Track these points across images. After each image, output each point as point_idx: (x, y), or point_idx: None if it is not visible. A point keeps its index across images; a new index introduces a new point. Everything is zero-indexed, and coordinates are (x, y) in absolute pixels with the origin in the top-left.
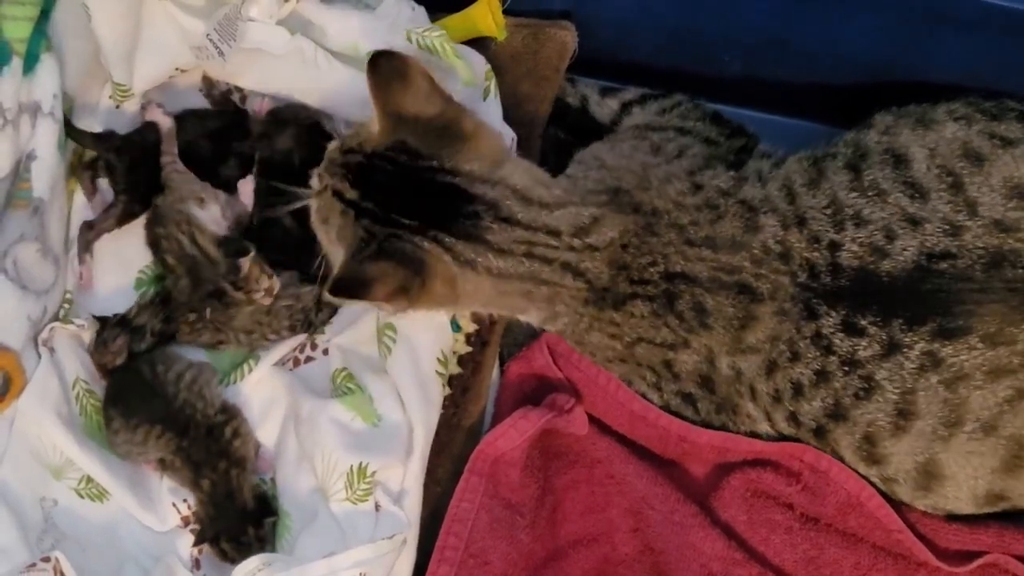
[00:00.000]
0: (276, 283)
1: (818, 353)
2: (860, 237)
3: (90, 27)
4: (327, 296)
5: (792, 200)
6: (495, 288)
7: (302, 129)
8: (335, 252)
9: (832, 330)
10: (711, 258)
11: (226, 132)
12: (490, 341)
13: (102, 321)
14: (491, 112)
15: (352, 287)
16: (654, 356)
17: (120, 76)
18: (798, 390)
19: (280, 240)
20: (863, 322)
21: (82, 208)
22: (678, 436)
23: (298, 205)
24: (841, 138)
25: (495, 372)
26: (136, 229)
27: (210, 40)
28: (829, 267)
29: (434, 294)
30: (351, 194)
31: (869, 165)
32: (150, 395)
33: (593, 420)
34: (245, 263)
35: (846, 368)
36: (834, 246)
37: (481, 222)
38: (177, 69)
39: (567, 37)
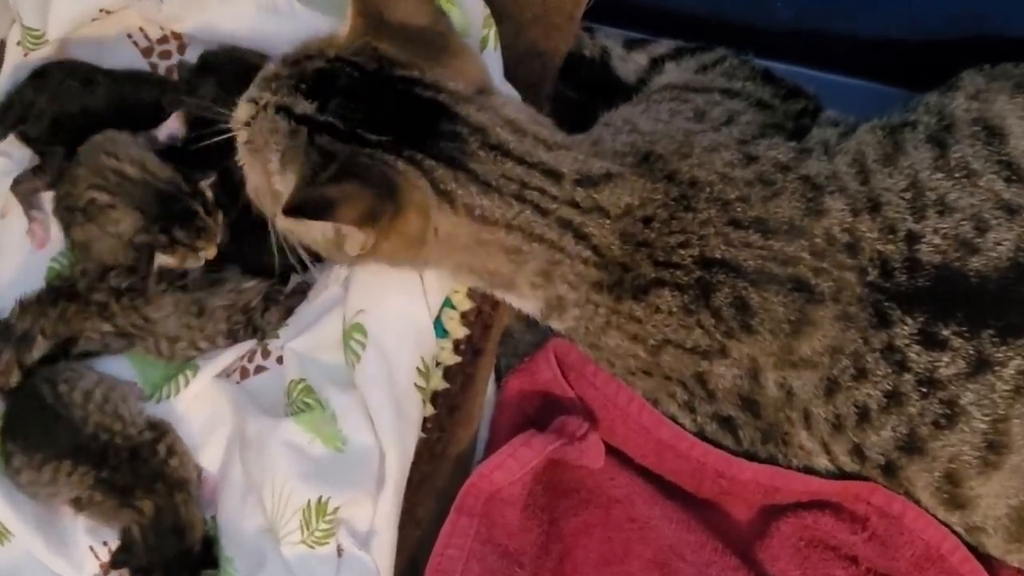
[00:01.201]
0: (219, 227)
1: (890, 370)
2: (944, 228)
3: None
4: (283, 222)
5: (865, 179)
6: (475, 236)
7: (232, 77)
8: (281, 181)
9: (907, 341)
10: (760, 244)
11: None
12: (484, 349)
13: None
14: (491, 65)
15: (312, 207)
16: (685, 366)
17: (32, 19)
18: (864, 416)
19: (240, 231)
20: (945, 332)
21: None
22: (715, 471)
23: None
24: (921, 102)
25: (490, 388)
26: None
27: None
28: (906, 263)
29: (407, 228)
30: (303, 107)
31: (957, 139)
32: (53, 423)
33: (611, 450)
34: (206, 185)
35: (924, 389)
36: (913, 237)
37: (465, 145)
38: (101, 11)
39: None
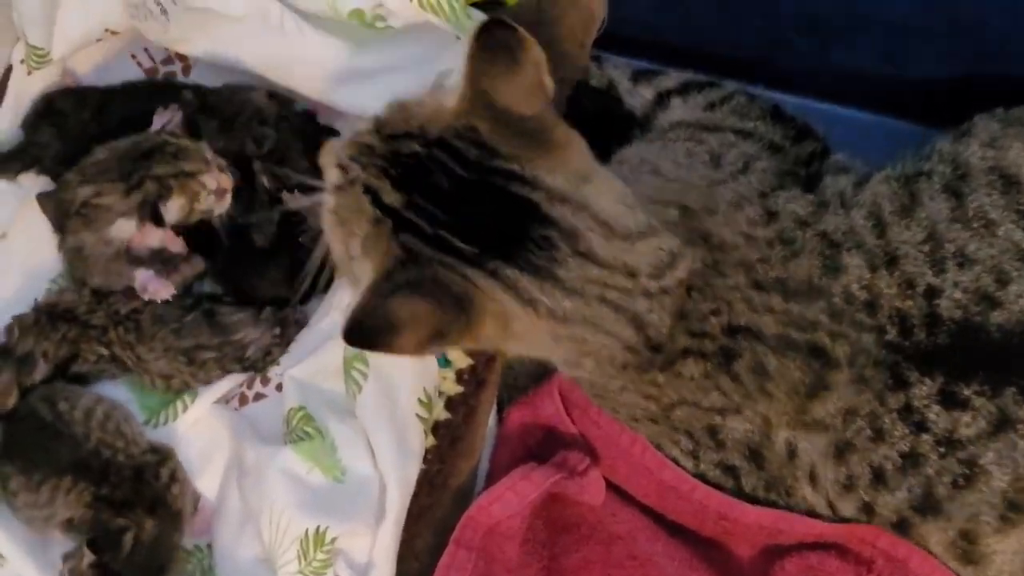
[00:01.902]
0: (202, 146)
1: (907, 431)
2: (964, 281)
3: None
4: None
5: (882, 233)
6: (552, 333)
7: (232, 118)
8: (357, 269)
9: (926, 402)
10: (781, 308)
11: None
12: (487, 380)
13: None
14: None
15: (373, 332)
16: (696, 421)
17: (37, 37)
18: (879, 477)
19: (239, 258)
20: (966, 392)
21: None
22: (717, 513)
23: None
24: (934, 148)
25: (492, 419)
26: (47, 230)
27: None
28: (925, 320)
29: (479, 337)
30: (392, 198)
31: (973, 188)
32: (53, 441)
33: (612, 486)
34: (164, 118)
35: (942, 450)
36: (932, 292)
37: (556, 253)
38: (107, 31)
39: (595, 4)
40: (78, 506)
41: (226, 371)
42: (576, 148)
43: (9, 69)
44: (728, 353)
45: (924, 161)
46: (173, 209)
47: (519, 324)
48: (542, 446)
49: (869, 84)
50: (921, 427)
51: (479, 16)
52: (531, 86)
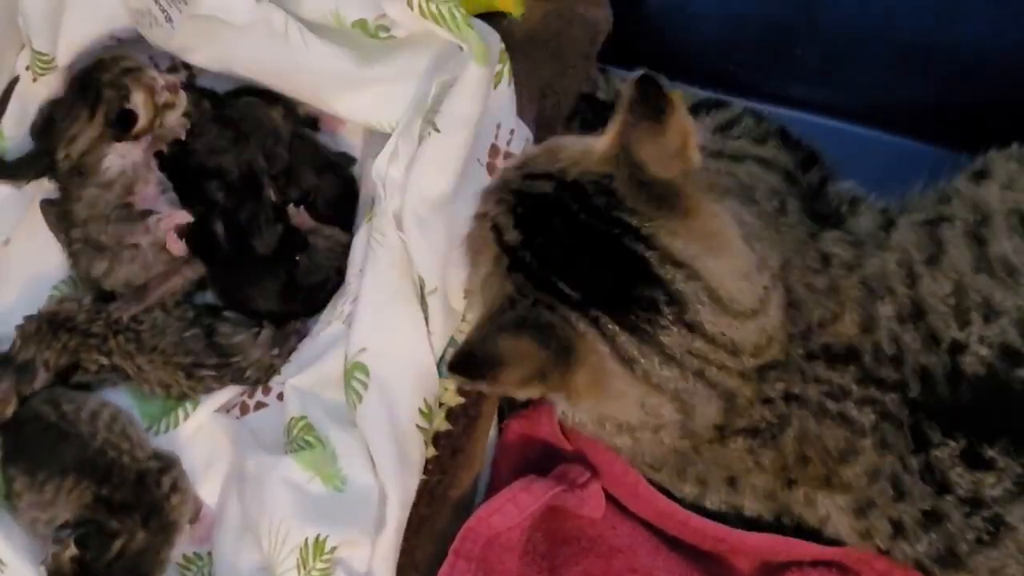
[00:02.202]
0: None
1: (929, 490)
2: (989, 335)
3: None
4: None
5: (912, 283)
6: (639, 398)
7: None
8: (474, 301)
9: (949, 463)
10: (824, 376)
11: None
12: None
13: None
14: (502, 103)
15: (478, 365)
16: (716, 474)
17: (42, 43)
18: (898, 530)
19: (236, 266)
20: (990, 452)
21: None
22: (715, 537)
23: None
24: (954, 188)
25: (492, 431)
26: (50, 237)
27: (155, 1)
28: (948, 376)
29: (573, 389)
30: (511, 236)
31: (995, 234)
32: (59, 440)
33: (612, 499)
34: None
35: (967, 509)
36: (956, 348)
37: (659, 317)
38: (112, 38)
39: (600, 16)
40: (78, 506)
41: (224, 386)
42: (708, 220)
43: (15, 80)
44: (782, 423)
45: (945, 204)
46: (139, 105)
47: (614, 381)
48: (543, 458)
49: (870, 100)
50: (944, 487)
51: (481, 26)
52: (672, 150)
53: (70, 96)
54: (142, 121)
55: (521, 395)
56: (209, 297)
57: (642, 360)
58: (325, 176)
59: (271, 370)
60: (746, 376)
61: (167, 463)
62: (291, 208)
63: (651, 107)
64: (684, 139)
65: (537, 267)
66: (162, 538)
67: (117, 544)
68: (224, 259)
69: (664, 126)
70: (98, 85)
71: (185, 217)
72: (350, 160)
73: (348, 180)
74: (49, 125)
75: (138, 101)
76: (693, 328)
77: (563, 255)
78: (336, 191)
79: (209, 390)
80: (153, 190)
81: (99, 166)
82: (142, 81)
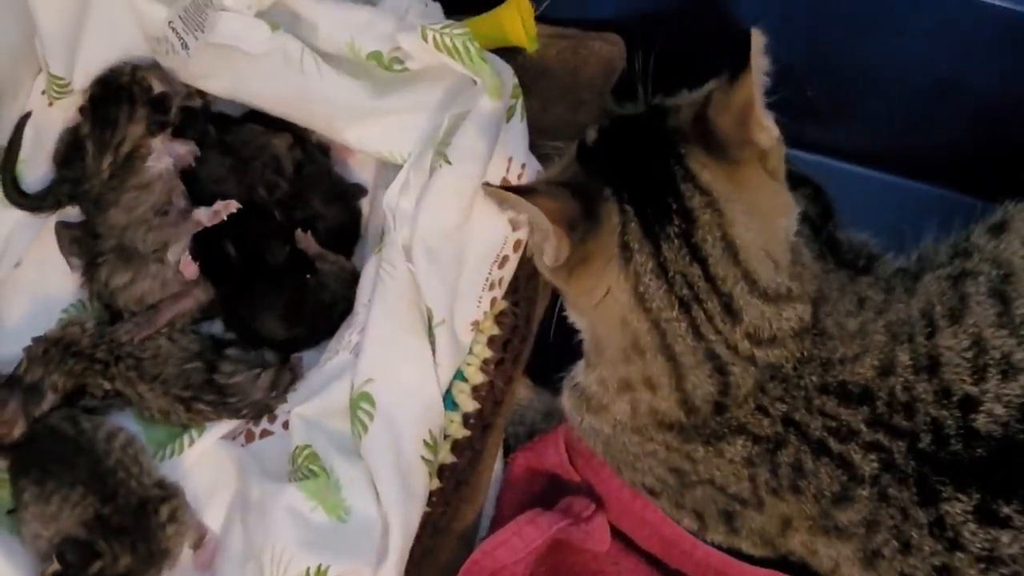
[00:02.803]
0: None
1: (940, 547)
2: (1007, 394)
3: (27, 3)
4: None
5: (931, 334)
6: (623, 312)
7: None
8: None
9: (961, 519)
10: (832, 412)
11: None
12: (494, 424)
13: None
14: (514, 137)
15: (524, 189)
16: (712, 505)
17: (59, 67)
18: None
19: (245, 286)
20: (1007, 509)
21: (1, 224)
22: (718, 570)
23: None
24: (971, 241)
25: (498, 464)
26: (61, 260)
27: (172, 29)
28: (961, 431)
29: (590, 268)
30: (589, 137)
31: (1019, 291)
32: (75, 451)
33: (616, 534)
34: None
35: (982, 567)
36: (969, 403)
37: (667, 225)
38: (128, 64)
39: (613, 53)
40: (78, 521)
41: (221, 419)
42: (759, 187)
43: (27, 115)
44: (778, 442)
45: (966, 259)
46: (160, 87)
47: (610, 275)
48: (548, 491)
49: (883, 144)
50: (956, 544)
51: (495, 60)
52: (735, 113)
53: (95, 111)
54: (173, 103)
55: (549, 254)
56: (216, 328)
57: (638, 258)
58: (333, 206)
59: (266, 409)
60: (739, 355)
61: (170, 493)
62: (298, 232)
63: (735, 66)
64: (745, 108)
65: (596, 155)
66: (149, 566)
67: (97, 565)
68: (234, 281)
69: (732, 88)
70: (121, 85)
71: (227, 206)
72: (362, 191)
73: (354, 213)
74: (72, 151)
75: (161, 87)
76: (695, 252)
77: (620, 153)
78: (340, 221)
79: (207, 421)
80: (184, 201)
81: (142, 166)
82: (153, 72)
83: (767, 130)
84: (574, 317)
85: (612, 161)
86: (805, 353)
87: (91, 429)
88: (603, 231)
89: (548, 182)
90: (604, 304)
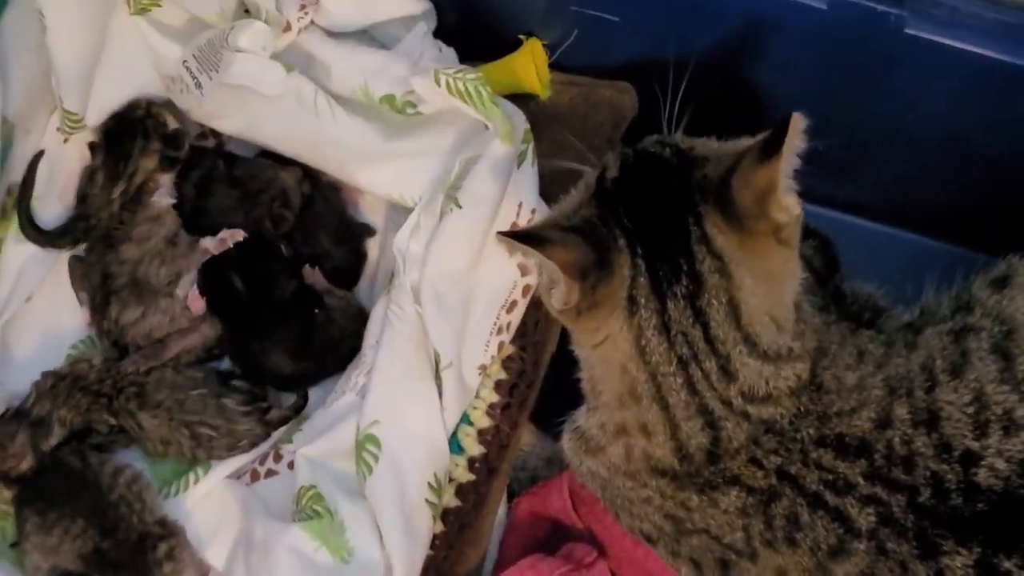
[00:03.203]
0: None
1: None
2: (1009, 449)
3: (43, 40)
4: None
5: (931, 389)
6: (623, 360)
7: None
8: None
9: (962, 572)
10: (829, 465)
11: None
12: (499, 469)
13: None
14: (525, 182)
15: (533, 237)
16: (709, 553)
17: (73, 103)
18: None
19: (252, 319)
20: (1007, 564)
21: (14, 259)
22: None
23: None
24: (973, 295)
25: (501, 509)
26: (68, 291)
27: (186, 68)
28: (961, 486)
29: (598, 313)
30: (610, 174)
31: (1021, 347)
32: (78, 486)
33: None
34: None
35: None
36: (970, 458)
37: (676, 285)
38: None
39: (626, 101)
40: (77, 555)
41: (222, 449)
42: (771, 255)
43: (40, 154)
44: (773, 495)
45: (968, 313)
46: (174, 124)
47: (614, 322)
48: (550, 537)
49: (892, 197)
50: None
51: (507, 105)
52: (757, 189)
53: (109, 144)
54: (186, 140)
55: (557, 298)
56: (223, 366)
57: (642, 310)
58: (341, 247)
59: (265, 439)
60: (733, 410)
61: (170, 531)
62: (306, 268)
63: (768, 144)
64: (768, 189)
65: (614, 197)
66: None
67: None
68: (241, 315)
69: (759, 165)
70: (137, 119)
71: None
72: (370, 231)
73: (360, 256)
74: (89, 188)
75: (175, 124)
76: (699, 316)
77: (640, 199)
78: (346, 263)
79: (209, 451)
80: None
81: (149, 200)
82: (169, 108)
83: (786, 209)
84: (577, 351)
85: (630, 205)
86: (801, 408)
87: (98, 464)
88: (614, 282)
89: (561, 228)
90: (604, 347)
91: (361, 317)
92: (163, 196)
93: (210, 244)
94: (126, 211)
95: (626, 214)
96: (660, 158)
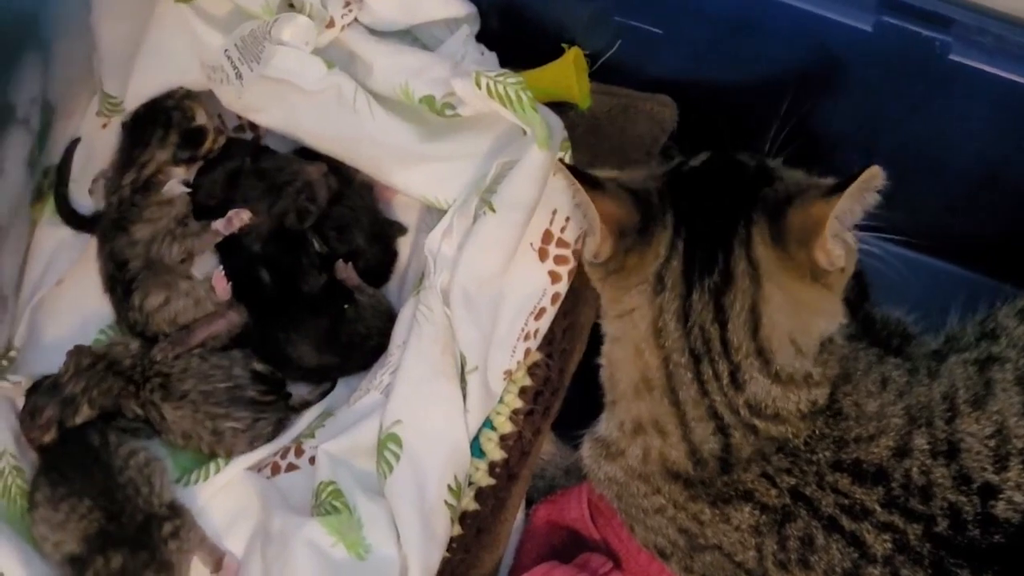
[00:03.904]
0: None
1: None
2: None
3: (88, 22)
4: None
5: (951, 419)
6: (640, 340)
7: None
8: None
9: None
10: (846, 490)
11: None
12: (519, 475)
13: (35, 385)
14: (561, 190)
15: (586, 176)
16: (721, 571)
17: (113, 86)
18: None
19: (279, 310)
20: None
21: (46, 241)
22: None
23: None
24: (999, 323)
25: (519, 515)
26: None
27: (228, 57)
28: (979, 517)
29: (623, 275)
30: (692, 161)
31: None
32: (92, 463)
33: None
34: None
35: None
36: (989, 491)
37: (708, 280)
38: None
39: (664, 114)
40: (84, 535)
41: (242, 444)
42: (805, 286)
43: (76, 141)
44: (787, 514)
45: (992, 342)
46: (205, 123)
47: (639, 297)
48: (567, 545)
49: (927, 226)
50: None
51: (546, 112)
52: (808, 224)
53: (133, 128)
54: (208, 139)
55: (590, 247)
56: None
57: (667, 291)
58: (375, 245)
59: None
60: (741, 420)
61: (176, 513)
62: (339, 263)
63: (838, 184)
64: (815, 226)
65: (682, 181)
66: (147, 564)
67: (90, 572)
68: (268, 305)
69: (819, 199)
70: (165, 108)
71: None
72: (402, 229)
73: (391, 254)
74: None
75: (203, 120)
76: (719, 314)
77: (704, 192)
78: (378, 261)
79: (229, 449)
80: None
81: (160, 188)
82: (203, 103)
83: (828, 254)
84: (602, 323)
85: (695, 192)
86: (816, 432)
87: (115, 443)
88: (647, 254)
89: (620, 183)
90: (624, 321)
91: (389, 316)
92: (175, 187)
93: (220, 225)
94: (138, 194)
95: (685, 199)
96: (742, 165)
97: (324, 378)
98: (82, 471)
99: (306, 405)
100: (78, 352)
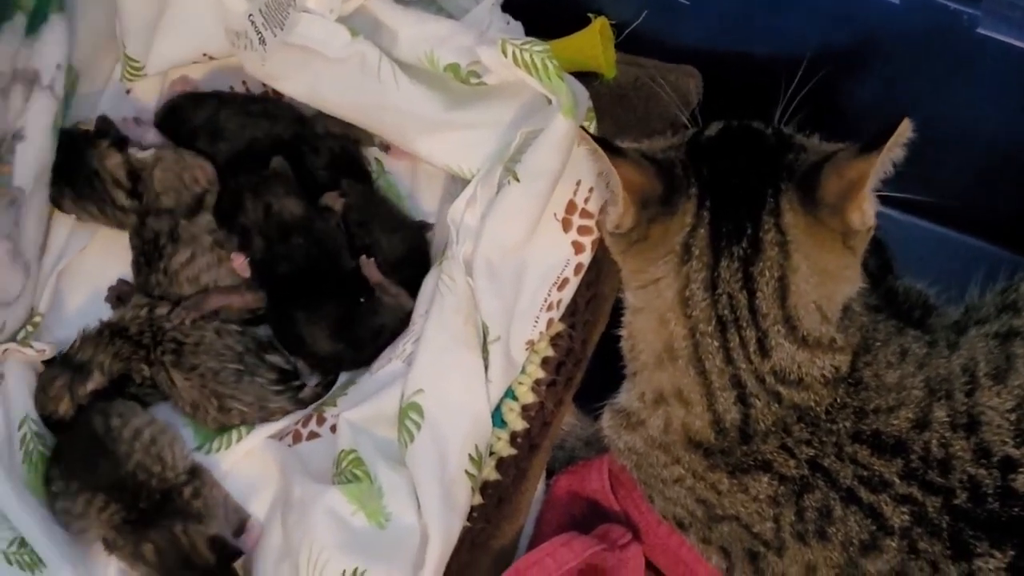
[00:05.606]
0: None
1: None
2: None
3: None
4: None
5: (971, 392)
6: (665, 309)
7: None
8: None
9: (994, 575)
10: (865, 461)
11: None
12: (541, 445)
13: (50, 360)
14: (585, 160)
15: (611, 146)
16: (739, 543)
17: (135, 48)
18: None
19: (298, 292)
20: None
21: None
22: None
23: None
24: (1020, 293)
25: (540, 485)
26: (121, 243)
27: (251, 22)
28: (999, 491)
29: (646, 245)
30: (709, 130)
31: None
32: (98, 455)
33: (650, 567)
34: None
35: None
36: (1008, 464)
37: (735, 247)
38: (205, 55)
39: (690, 85)
40: (108, 527)
41: (247, 423)
42: (833, 250)
43: (103, 118)
44: (805, 485)
45: (1016, 315)
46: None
47: (664, 267)
48: (587, 516)
49: (952, 200)
50: None
51: (573, 82)
52: (843, 185)
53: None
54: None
55: (612, 217)
56: (262, 331)
57: (695, 260)
58: (394, 235)
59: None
60: (765, 387)
61: (194, 475)
62: (363, 258)
63: (872, 140)
64: (855, 184)
65: (704, 151)
66: (184, 527)
67: (148, 549)
68: (289, 283)
69: (855, 158)
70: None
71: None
72: (426, 227)
73: (415, 246)
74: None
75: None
76: (748, 282)
77: (727, 161)
78: (400, 252)
79: (234, 423)
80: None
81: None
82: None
83: (863, 214)
84: (624, 295)
85: (716, 161)
86: (838, 400)
87: (118, 427)
88: (672, 224)
89: (642, 152)
90: (648, 291)
91: (406, 320)
92: (137, 151)
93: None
94: (137, 187)
95: (709, 168)
96: (761, 134)
97: (334, 368)
98: (88, 464)
99: (316, 398)
100: (86, 328)
